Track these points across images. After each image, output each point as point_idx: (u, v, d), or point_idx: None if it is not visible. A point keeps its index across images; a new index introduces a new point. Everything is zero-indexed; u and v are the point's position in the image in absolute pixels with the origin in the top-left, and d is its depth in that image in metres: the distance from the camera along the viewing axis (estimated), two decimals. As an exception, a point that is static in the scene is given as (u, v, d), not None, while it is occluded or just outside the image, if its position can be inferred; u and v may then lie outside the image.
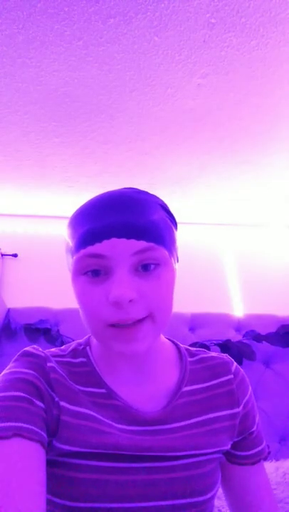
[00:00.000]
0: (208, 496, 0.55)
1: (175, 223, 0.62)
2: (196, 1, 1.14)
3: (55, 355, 0.60)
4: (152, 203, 0.57)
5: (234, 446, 0.64)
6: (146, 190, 2.34)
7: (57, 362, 0.58)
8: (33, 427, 0.47)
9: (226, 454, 0.65)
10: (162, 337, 0.66)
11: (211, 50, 1.31)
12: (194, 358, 0.66)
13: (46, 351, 0.60)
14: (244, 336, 2.00)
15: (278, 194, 2.39)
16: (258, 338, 1.96)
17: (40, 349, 0.59)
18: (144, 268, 0.52)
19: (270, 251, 2.81)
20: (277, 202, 2.52)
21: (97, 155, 1.88)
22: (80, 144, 1.79)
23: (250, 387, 0.68)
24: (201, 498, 0.54)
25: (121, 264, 0.50)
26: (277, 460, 1.46)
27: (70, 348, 0.64)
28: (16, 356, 0.58)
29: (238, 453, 0.64)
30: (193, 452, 0.55)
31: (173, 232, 0.58)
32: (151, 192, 2.34)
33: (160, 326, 0.54)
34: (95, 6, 1.13)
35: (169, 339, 0.70)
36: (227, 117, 1.67)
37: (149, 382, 0.60)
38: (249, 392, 0.67)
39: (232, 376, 0.66)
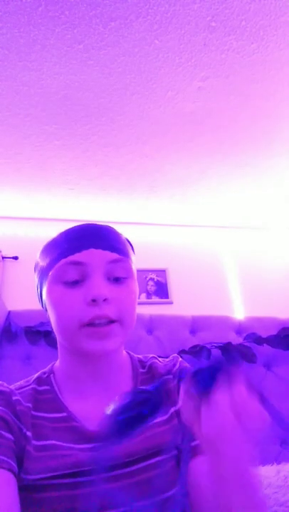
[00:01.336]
0: (171, 492, 0.58)
1: (131, 245, 0.74)
2: (197, 4, 1.14)
3: (19, 388, 0.64)
4: (116, 231, 0.69)
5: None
6: (146, 193, 2.36)
7: (21, 394, 0.63)
8: (3, 457, 0.51)
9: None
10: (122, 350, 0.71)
11: (212, 53, 1.32)
12: (145, 369, 0.72)
13: (11, 386, 0.65)
14: (245, 338, 2.00)
15: (279, 197, 2.39)
16: (258, 340, 1.95)
17: (5, 384, 0.63)
18: (116, 280, 0.62)
19: (271, 253, 2.81)
20: (277, 204, 2.52)
21: (98, 158, 1.89)
22: (81, 147, 1.80)
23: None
24: (163, 496, 0.57)
25: (97, 271, 0.60)
26: (278, 463, 1.45)
27: (35, 377, 0.68)
28: None
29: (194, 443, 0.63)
30: (146, 454, 0.59)
31: (131, 250, 0.70)
32: (152, 194, 2.34)
33: (127, 330, 0.62)
34: (95, 10, 1.14)
35: (125, 351, 0.75)
36: (227, 120, 1.67)
37: (106, 394, 0.64)
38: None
39: (170, 376, 0.70)
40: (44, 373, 0.69)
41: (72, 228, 0.66)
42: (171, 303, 2.38)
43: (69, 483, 0.54)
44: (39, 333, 1.84)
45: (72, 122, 1.62)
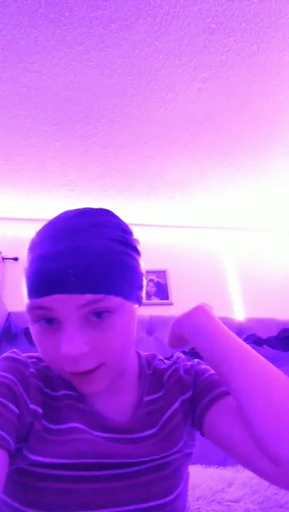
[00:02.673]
0: (171, 497, 0.56)
1: (136, 250, 0.58)
2: (197, 6, 1.14)
3: (35, 361, 0.61)
4: (105, 239, 0.51)
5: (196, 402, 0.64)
6: (146, 194, 2.35)
7: (35, 367, 0.59)
8: (5, 434, 0.47)
9: (197, 414, 0.63)
10: None
11: (212, 55, 1.32)
12: (151, 371, 0.68)
13: (26, 355, 0.61)
14: (245, 339, 1.99)
15: (279, 198, 2.40)
16: (258, 342, 1.95)
17: (21, 354, 0.60)
18: (97, 316, 0.49)
19: (271, 255, 2.81)
20: (278, 207, 2.52)
21: (98, 159, 1.89)
22: (81, 148, 1.80)
23: (200, 370, 0.68)
24: (163, 500, 0.55)
25: (69, 318, 0.48)
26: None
27: None
28: None
29: (203, 400, 0.62)
30: (155, 457, 0.57)
31: (130, 268, 0.54)
32: (152, 196, 2.32)
33: (115, 370, 0.54)
34: (96, 11, 1.14)
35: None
36: (227, 122, 1.67)
37: (114, 393, 0.61)
38: (199, 375, 0.67)
39: (177, 365, 0.68)
40: None
41: (40, 235, 0.52)
42: (171, 304, 2.38)
43: (70, 476, 0.52)
44: (39, 334, 1.84)
45: (72, 123, 1.63)
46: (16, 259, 2.30)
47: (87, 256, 0.48)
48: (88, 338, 0.49)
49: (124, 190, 2.21)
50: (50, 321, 0.50)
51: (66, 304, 0.47)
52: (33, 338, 0.53)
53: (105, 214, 0.57)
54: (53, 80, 1.39)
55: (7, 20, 1.15)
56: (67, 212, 0.57)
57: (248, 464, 0.53)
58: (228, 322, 2.14)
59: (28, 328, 1.86)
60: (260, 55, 1.33)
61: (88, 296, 0.47)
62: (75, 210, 0.57)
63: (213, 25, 1.21)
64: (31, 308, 0.50)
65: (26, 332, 1.85)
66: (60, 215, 0.57)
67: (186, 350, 1.86)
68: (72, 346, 0.47)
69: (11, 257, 2.31)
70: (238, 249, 2.77)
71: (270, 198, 2.39)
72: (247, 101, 1.55)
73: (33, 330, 0.52)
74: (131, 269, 0.54)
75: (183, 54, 1.31)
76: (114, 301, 0.50)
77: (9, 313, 1.94)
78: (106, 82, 1.41)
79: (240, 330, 2.05)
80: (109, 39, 1.23)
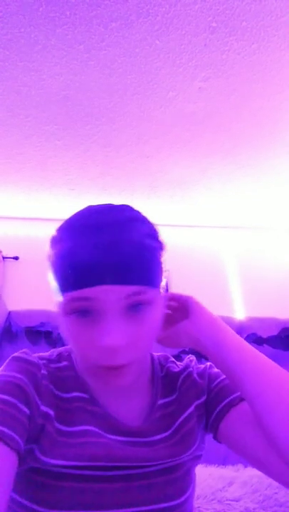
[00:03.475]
0: (182, 499, 0.56)
1: (162, 246, 0.61)
2: (197, 4, 1.14)
3: (46, 362, 0.61)
4: (141, 234, 0.53)
5: (210, 409, 0.64)
6: (147, 193, 2.35)
7: (47, 369, 0.59)
8: (15, 435, 0.47)
9: (212, 421, 0.63)
10: None
11: (212, 54, 1.32)
12: (163, 373, 0.68)
13: (37, 356, 0.61)
14: (245, 338, 2.00)
15: (280, 197, 2.39)
16: (259, 341, 1.96)
17: (32, 355, 0.60)
18: (134, 309, 0.50)
19: (272, 254, 2.81)
20: (278, 205, 2.52)
21: (99, 158, 1.89)
22: (82, 147, 1.80)
23: (212, 374, 0.68)
24: (174, 502, 0.55)
25: (112, 309, 0.48)
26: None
27: (56, 352, 0.64)
28: (8, 359, 0.58)
29: (218, 407, 0.63)
30: (169, 460, 0.57)
31: (160, 263, 0.56)
32: (152, 194, 2.32)
33: (143, 361, 0.57)
34: (96, 10, 1.14)
35: None
36: (228, 120, 1.67)
37: (127, 395, 0.61)
38: (212, 380, 0.67)
39: (190, 369, 0.68)
40: (66, 351, 0.65)
41: (79, 226, 0.52)
42: (171, 303, 2.38)
43: (83, 475, 0.52)
44: (40, 334, 1.85)
45: (72, 122, 1.63)
46: (16, 258, 2.31)
47: (129, 249, 0.49)
48: (126, 330, 0.49)
49: (124, 189, 2.21)
50: (85, 314, 0.50)
51: (110, 295, 0.48)
52: (65, 331, 0.53)
53: (134, 210, 0.58)
54: (53, 79, 1.39)
55: (7, 19, 1.15)
56: (94, 206, 0.56)
57: (264, 469, 0.54)
58: (228, 321, 2.14)
59: (28, 327, 1.87)
60: (261, 54, 1.33)
61: (133, 288, 0.49)
62: (103, 205, 0.57)
63: (214, 24, 1.21)
64: (71, 300, 0.50)
65: (27, 331, 1.86)
66: (88, 209, 0.56)
67: (187, 349, 1.86)
68: (114, 337, 0.47)
69: (12, 256, 2.31)
70: (238, 248, 2.77)
71: (270, 197, 2.39)
72: (247, 100, 1.55)
73: (66, 322, 0.52)
74: (160, 264, 0.56)
75: (183, 53, 1.31)
76: (153, 294, 0.52)
77: (10, 312, 1.94)
78: (106, 81, 1.41)
79: (240, 329, 2.05)
80: (109, 38, 1.23)
